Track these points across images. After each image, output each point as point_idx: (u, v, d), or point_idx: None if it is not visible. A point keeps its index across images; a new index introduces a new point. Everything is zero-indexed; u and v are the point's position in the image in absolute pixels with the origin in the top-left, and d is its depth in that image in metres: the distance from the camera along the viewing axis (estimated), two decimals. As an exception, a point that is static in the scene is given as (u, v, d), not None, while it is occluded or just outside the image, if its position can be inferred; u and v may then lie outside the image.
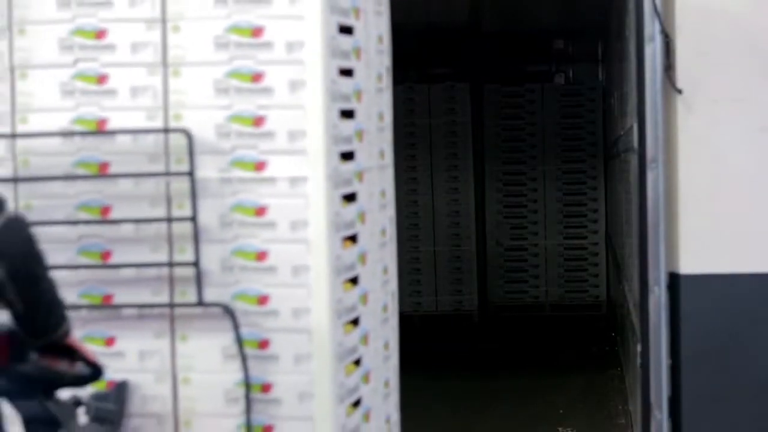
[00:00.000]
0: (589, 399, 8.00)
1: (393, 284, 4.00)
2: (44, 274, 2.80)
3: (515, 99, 11.57)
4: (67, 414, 2.96)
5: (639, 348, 4.53)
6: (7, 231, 2.70)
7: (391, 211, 3.99)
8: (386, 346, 3.89)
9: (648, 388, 4.37)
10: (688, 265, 4.35)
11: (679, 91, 4.33)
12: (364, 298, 3.57)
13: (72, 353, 2.92)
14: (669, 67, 4.35)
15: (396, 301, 4.04)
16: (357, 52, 3.52)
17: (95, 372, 2.95)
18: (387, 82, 3.91)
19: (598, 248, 11.97)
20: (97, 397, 3.20)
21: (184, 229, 3.25)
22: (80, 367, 2.93)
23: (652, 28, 4.34)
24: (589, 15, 10.56)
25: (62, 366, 2.90)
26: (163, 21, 3.26)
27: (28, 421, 2.91)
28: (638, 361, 4.59)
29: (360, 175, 3.55)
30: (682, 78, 4.33)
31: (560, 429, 7.11)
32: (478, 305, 10.75)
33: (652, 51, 4.33)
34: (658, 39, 4.33)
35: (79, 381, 2.95)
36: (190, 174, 3.21)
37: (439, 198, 10.65)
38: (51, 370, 2.89)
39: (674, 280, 4.39)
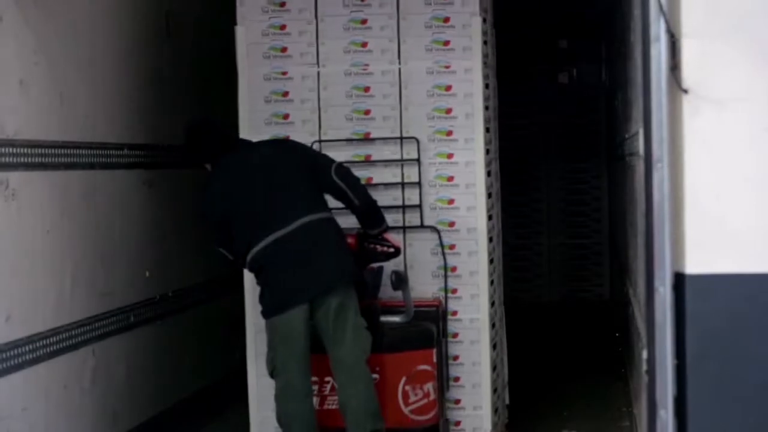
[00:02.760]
0: (592, 400, 8.87)
1: (499, 225, 8.32)
2: (367, 191, 6.91)
3: (519, 98, 13.00)
4: (369, 278, 7.08)
5: (645, 355, 5.01)
6: (340, 166, 6.79)
7: (498, 184, 8.31)
8: (495, 263, 8.25)
9: (654, 388, 4.75)
10: (693, 265, 4.68)
11: (685, 91, 4.66)
12: (492, 226, 7.93)
13: (383, 241, 6.97)
14: (675, 67, 4.66)
15: (500, 234, 8.37)
16: (488, 97, 7.83)
17: (396, 252, 6.96)
18: (494, 113, 8.23)
19: (601, 248, 13.30)
20: (368, 273, 7.35)
21: (412, 188, 7.52)
22: (387, 249, 6.95)
23: (657, 27, 4.70)
24: (593, 15, 11.71)
25: (378, 248, 6.96)
26: (400, 82, 7.58)
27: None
28: (644, 368, 5.09)
29: (491, 162, 7.87)
30: (687, 78, 4.68)
31: (564, 431, 8.11)
32: (481, 303, 12.52)
33: (658, 51, 4.70)
34: (664, 39, 4.67)
35: (388, 257, 6.97)
36: (418, 160, 7.51)
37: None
38: (373, 251, 6.96)
39: (680, 280, 4.70)
